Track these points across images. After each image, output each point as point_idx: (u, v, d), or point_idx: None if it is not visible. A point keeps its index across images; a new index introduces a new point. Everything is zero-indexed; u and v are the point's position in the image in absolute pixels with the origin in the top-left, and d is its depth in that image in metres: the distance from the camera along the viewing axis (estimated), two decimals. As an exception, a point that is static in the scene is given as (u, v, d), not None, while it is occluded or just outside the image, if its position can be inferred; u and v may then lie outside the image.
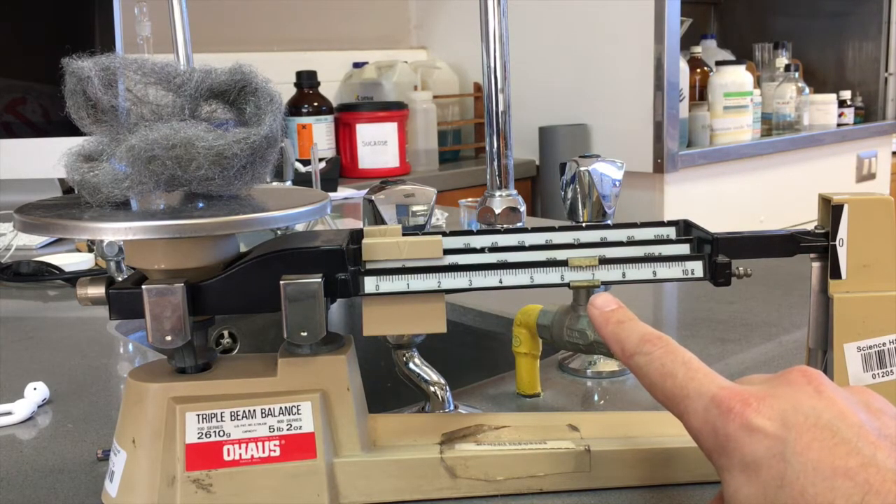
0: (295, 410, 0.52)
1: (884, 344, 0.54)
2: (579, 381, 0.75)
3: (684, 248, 0.54)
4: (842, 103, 2.93)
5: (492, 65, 0.67)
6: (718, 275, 0.52)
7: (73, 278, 1.16)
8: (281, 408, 0.52)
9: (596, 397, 0.72)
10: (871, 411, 0.40)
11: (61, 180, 1.76)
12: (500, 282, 0.52)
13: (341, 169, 2.23)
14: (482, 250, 0.54)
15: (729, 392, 0.41)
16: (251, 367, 0.54)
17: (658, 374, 0.43)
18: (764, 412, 0.39)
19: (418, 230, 0.58)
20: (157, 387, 0.52)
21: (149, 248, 0.51)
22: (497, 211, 0.69)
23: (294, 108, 2.29)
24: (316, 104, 2.31)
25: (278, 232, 0.83)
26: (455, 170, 2.42)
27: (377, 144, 2.31)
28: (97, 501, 0.55)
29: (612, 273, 0.53)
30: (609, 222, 0.71)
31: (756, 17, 3.27)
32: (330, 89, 2.53)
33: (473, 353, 1.00)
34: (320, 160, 1.67)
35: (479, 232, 0.55)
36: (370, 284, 0.52)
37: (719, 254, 0.52)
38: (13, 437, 0.67)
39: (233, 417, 0.51)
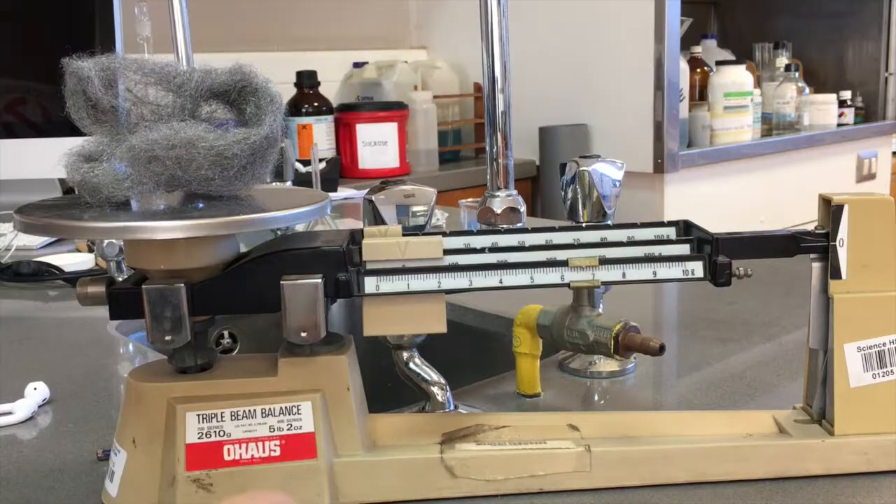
0: (295, 410, 0.52)
1: (884, 344, 0.54)
2: (579, 381, 0.75)
3: (684, 249, 0.54)
4: (842, 103, 2.93)
5: (492, 65, 0.67)
6: (719, 275, 0.52)
7: (73, 278, 1.16)
8: (281, 408, 0.52)
9: (596, 397, 0.72)
10: None
11: (61, 180, 1.76)
12: (501, 282, 0.52)
13: (341, 169, 2.22)
14: (482, 250, 0.54)
15: None
16: (251, 367, 0.54)
17: None
18: None
19: (418, 230, 0.58)
20: (157, 387, 0.52)
21: (149, 249, 0.51)
22: (497, 211, 0.68)
23: (294, 108, 2.29)
24: (316, 104, 2.30)
25: (278, 232, 0.83)
26: (455, 170, 2.41)
27: (377, 144, 2.31)
28: (97, 501, 0.55)
29: (612, 273, 0.53)
30: (609, 222, 0.71)
31: (756, 17, 3.27)
32: (330, 89, 2.52)
33: (473, 353, 1.00)
34: (320, 160, 1.67)
35: (480, 232, 0.55)
36: (370, 284, 0.52)
37: (719, 254, 0.52)
38: (13, 437, 0.67)
39: (233, 417, 0.51)
